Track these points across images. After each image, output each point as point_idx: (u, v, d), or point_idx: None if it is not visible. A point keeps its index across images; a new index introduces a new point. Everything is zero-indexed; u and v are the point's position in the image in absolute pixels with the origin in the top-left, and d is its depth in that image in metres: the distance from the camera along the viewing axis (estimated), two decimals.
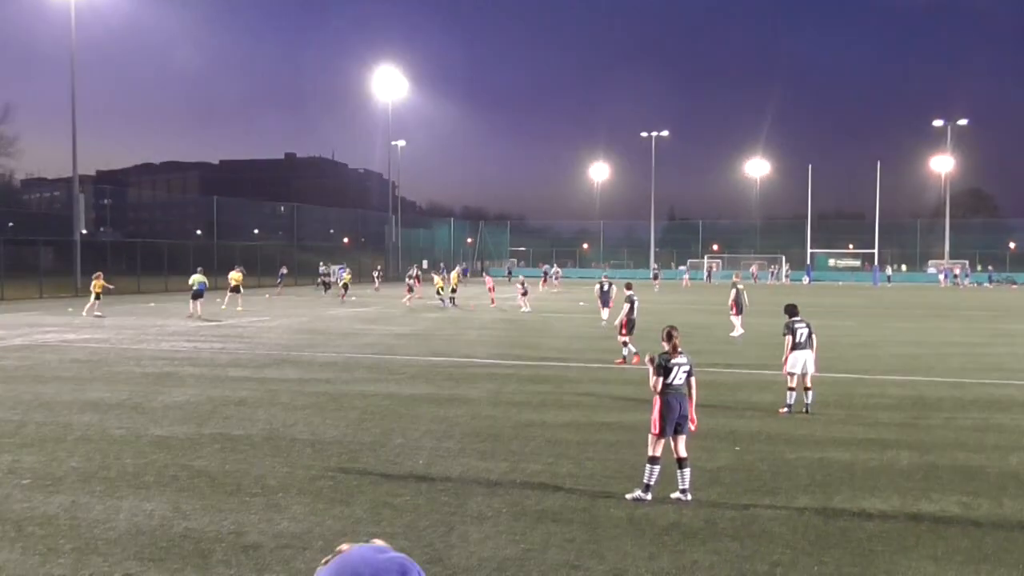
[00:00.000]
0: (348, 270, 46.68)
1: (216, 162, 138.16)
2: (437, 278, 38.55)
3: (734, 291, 24.64)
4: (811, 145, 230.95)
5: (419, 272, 43.52)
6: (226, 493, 8.16)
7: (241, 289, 33.68)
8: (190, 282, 29.81)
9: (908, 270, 80.00)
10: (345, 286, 41.28)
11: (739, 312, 24.25)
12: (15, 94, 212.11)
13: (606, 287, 25.89)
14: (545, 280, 57.64)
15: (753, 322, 26.87)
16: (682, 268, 79.47)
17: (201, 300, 29.22)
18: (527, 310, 33.31)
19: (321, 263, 55.37)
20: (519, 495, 8.17)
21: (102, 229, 71.04)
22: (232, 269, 34.77)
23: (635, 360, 17.71)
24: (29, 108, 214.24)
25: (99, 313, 28.73)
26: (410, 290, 38.13)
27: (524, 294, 34.42)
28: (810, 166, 79.96)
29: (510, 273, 75.29)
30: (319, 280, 48.64)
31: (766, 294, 47.16)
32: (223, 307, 32.23)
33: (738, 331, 23.94)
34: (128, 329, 24.93)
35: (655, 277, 62.93)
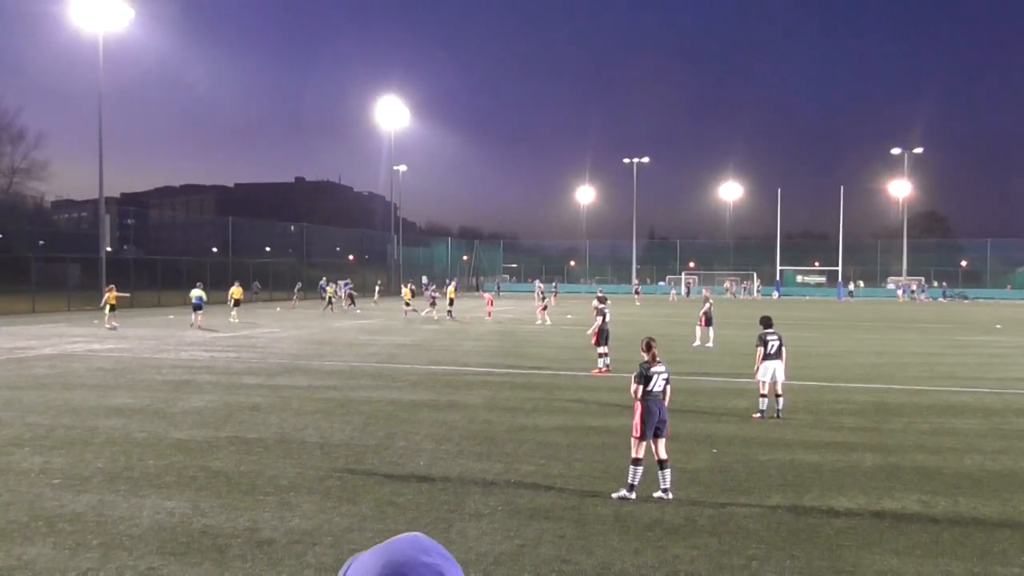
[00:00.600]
0: (331, 284, 44.87)
1: (231, 185, 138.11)
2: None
3: (707, 304, 24.79)
4: (780, 170, 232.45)
5: (434, 286, 43.20)
6: (241, 492, 8.12)
7: (240, 303, 33.84)
8: (190, 296, 30.21)
9: (869, 286, 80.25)
10: (330, 300, 41.11)
11: (708, 324, 24.30)
12: (46, 122, 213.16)
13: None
14: (555, 295, 53.29)
15: (728, 333, 26.93)
16: (662, 283, 79.98)
17: (200, 312, 29.44)
18: (544, 323, 32.81)
19: (324, 278, 55.01)
20: (513, 494, 8.15)
21: (125, 247, 70.67)
22: (233, 285, 34.82)
23: (596, 372, 17.62)
24: (59, 135, 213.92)
25: (115, 324, 28.60)
26: (432, 303, 37.99)
27: (544, 309, 34.25)
28: (779, 189, 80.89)
29: (499, 288, 75.33)
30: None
31: (739, 308, 47.27)
32: (235, 320, 32.23)
33: (698, 342, 24.01)
34: (149, 340, 24.82)
35: (637, 292, 63.35)
